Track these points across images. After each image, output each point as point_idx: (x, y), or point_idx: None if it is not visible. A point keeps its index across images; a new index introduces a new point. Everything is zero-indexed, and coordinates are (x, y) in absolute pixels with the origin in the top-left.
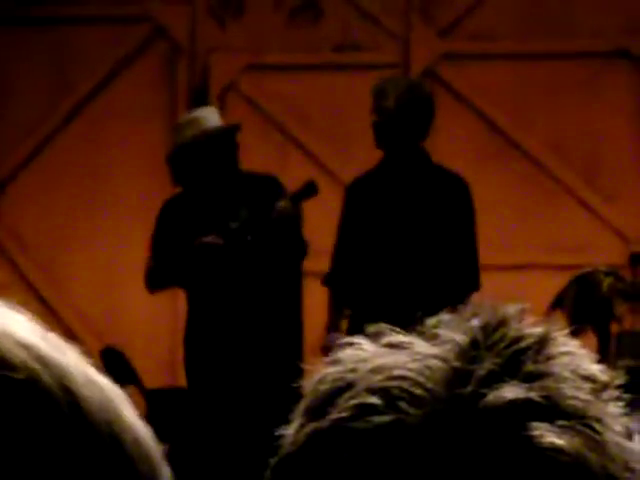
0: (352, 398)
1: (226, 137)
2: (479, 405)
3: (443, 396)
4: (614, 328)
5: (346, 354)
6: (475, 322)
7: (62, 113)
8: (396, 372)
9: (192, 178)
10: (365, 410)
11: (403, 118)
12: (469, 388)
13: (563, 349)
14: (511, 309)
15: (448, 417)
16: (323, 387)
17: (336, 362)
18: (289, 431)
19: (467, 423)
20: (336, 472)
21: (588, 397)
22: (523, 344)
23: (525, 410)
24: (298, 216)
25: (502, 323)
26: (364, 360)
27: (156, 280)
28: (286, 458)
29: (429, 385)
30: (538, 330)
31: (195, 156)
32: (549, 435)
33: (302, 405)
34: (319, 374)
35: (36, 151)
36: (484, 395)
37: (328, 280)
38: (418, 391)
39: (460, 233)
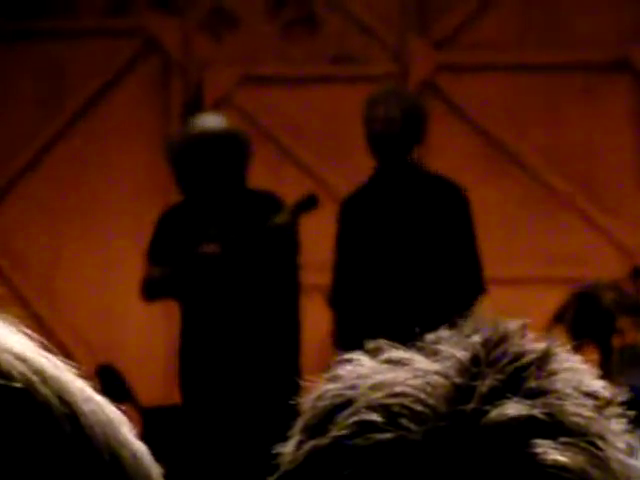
0: (352, 415)
1: (233, 141)
2: (481, 422)
3: (445, 413)
4: (616, 342)
5: (345, 370)
6: (476, 338)
7: (55, 128)
8: (397, 389)
9: (195, 178)
10: (366, 427)
11: (409, 129)
12: (471, 405)
13: (565, 365)
14: (512, 325)
15: (450, 434)
16: (322, 404)
17: (335, 378)
18: (287, 448)
19: (469, 440)
20: None
21: (591, 414)
22: (525, 360)
23: (528, 427)
24: (293, 228)
25: (503, 339)
26: (364, 377)
27: (153, 289)
28: (285, 475)
29: (430, 402)
30: (540, 346)
31: (200, 152)
32: (552, 452)
33: (301, 422)
34: (318, 390)
35: (29, 167)
36: (486, 412)
37: (331, 301)
38: (419, 408)
39: (461, 239)
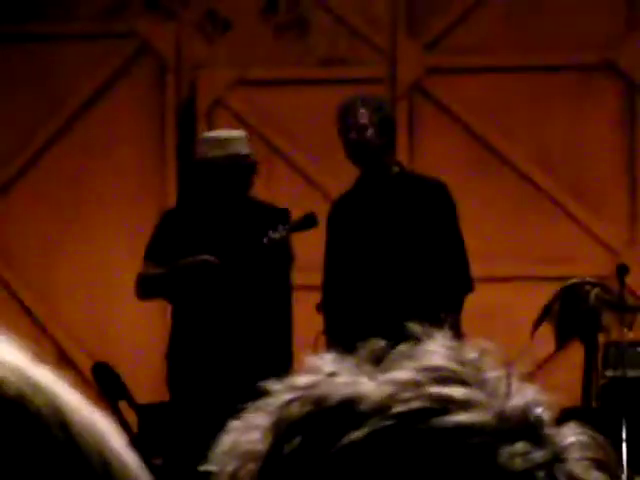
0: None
1: (245, 167)
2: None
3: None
4: (601, 339)
5: (304, 381)
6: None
7: (49, 131)
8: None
9: (201, 194)
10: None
11: (382, 132)
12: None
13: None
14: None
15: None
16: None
17: (297, 387)
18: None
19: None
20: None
21: None
22: None
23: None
24: (286, 243)
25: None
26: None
27: (146, 287)
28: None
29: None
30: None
31: (212, 175)
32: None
33: (273, 429)
34: (281, 399)
35: (24, 169)
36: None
37: (322, 307)
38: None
39: (446, 238)
